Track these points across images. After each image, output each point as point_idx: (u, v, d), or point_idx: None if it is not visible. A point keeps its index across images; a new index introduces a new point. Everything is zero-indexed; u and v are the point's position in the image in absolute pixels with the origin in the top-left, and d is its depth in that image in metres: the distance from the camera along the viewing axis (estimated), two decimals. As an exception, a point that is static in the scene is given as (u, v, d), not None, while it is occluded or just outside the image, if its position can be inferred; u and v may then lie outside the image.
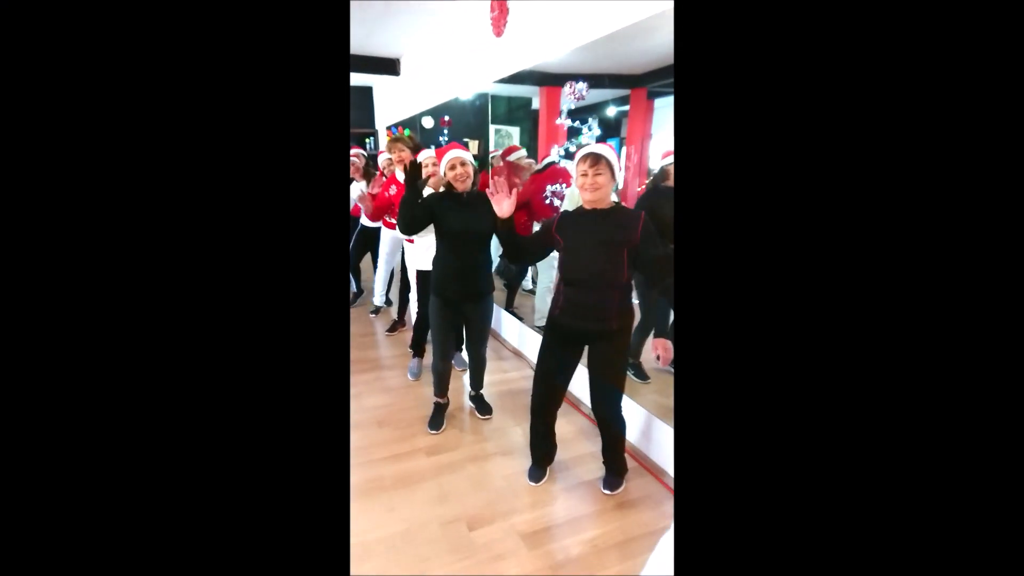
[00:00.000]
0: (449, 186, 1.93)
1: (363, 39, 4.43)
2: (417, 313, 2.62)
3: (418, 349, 2.70)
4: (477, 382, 2.27)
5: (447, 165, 1.89)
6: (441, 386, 2.15)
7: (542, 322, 3.09)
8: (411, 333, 2.86)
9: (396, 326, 3.36)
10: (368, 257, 3.94)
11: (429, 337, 2.18)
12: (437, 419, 2.15)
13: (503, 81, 3.05)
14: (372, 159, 5.01)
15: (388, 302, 3.86)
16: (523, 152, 3.21)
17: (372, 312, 3.71)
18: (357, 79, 5.89)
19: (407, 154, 2.64)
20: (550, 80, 2.78)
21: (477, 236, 1.91)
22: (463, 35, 3.54)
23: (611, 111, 2.84)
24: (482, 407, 2.28)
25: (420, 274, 2.52)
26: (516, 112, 3.63)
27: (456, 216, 1.88)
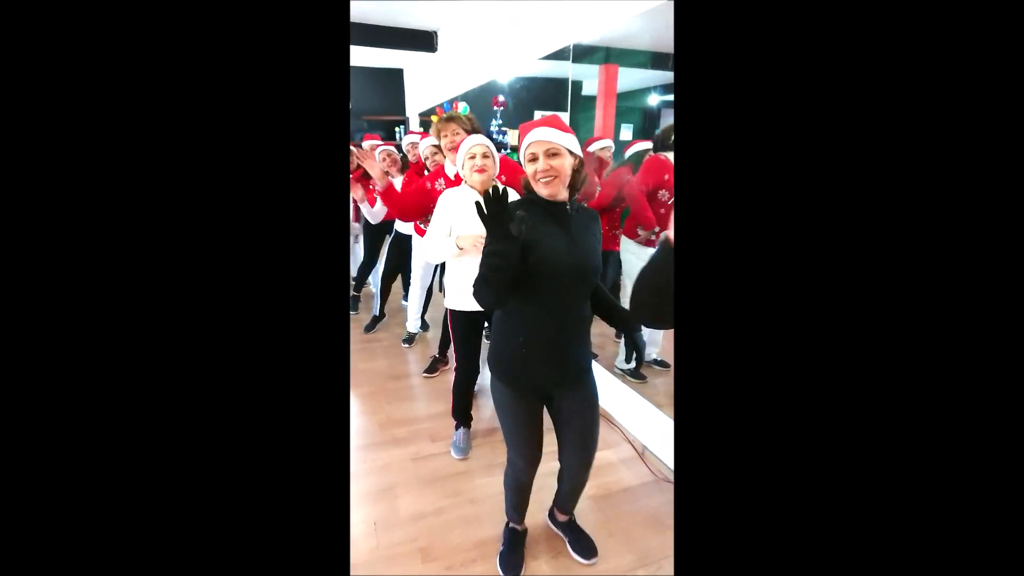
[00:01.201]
0: (528, 190, 1.11)
1: (395, 10, 3.72)
2: (458, 369, 1.86)
3: (464, 418, 1.95)
4: (570, 503, 1.43)
5: (527, 154, 1.07)
6: (519, 507, 1.38)
7: (626, 364, 2.33)
8: (450, 376, 2.12)
9: (436, 365, 2.62)
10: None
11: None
12: (513, 557, 1.38)
13: (551, 58, 2.57)
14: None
15: (424, 326, 3.13)
16: (608, 143, 2.45)
17: (405, 341, 2.98)
18: (387, 59, 5.22)
19: (461, 138, 1.88)
20: (608, 56, 2.38)
21: (583, 278, 1.10)
22: (509, 3, 2.84)
23: (653, 100, 2.33)
24: (580, 543, 1.44)
25: (458, 316, 1.76)
26: (566, 95, 3.05)
27: (554, 242, 1.06)
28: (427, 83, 5.06)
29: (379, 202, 2.98)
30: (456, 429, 1.96)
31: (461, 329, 1.78)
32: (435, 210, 1.66)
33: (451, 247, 1.59)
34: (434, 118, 1.92)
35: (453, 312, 1.76)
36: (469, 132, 1.89)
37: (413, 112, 5.74)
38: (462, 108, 1.92)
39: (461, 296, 1.70)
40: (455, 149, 1.87)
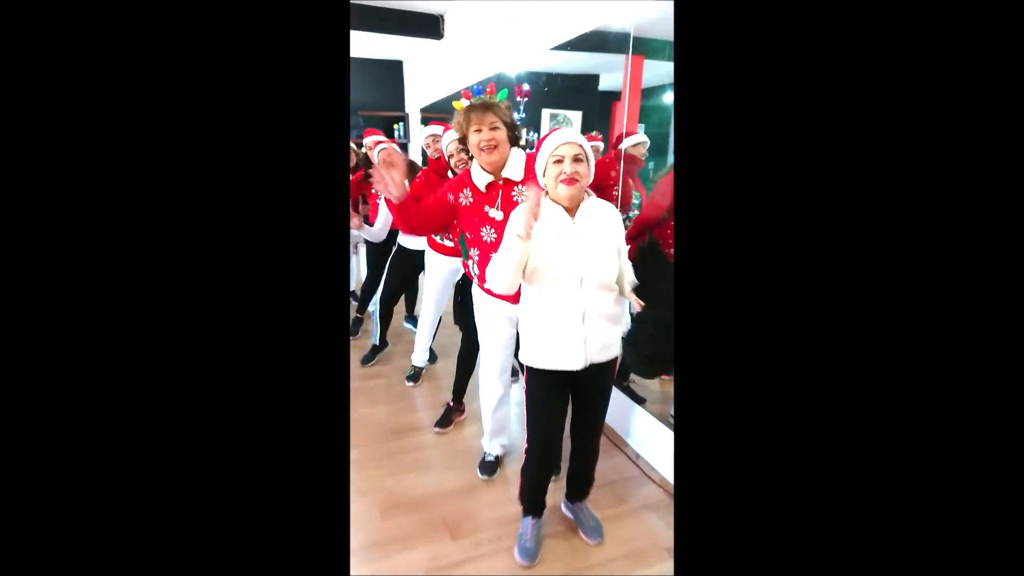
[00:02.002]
0: None
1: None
2: (528, 451, 1.36)
3: (535, 505, 1.45)
4: None
5: None
6: None
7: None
8: (481, 429, 1.63)
9: (450, 415, 2.11)
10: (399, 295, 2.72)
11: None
12: None
13: (565, 47, 2.22)
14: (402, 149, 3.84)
15: (432, 358, 2.63)
16: (642, 137, 2.02)
17: (409, 379, 2.47)
18: (385, 49, 4.71)
19: (501, 135, 1.37)
20: (636, 45, 1.97)
21: None
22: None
23: (668, 98, 2.02)
24: None
25: (537, 377, 1.28)
26: (578, 91, 2.80)
27: None
28: (429, 76, 4.58)
29: (381, 217, 2.47)
30: (524, 516, 1.45)
31: (539, 395, 1.29)
32: (505, 235, 1.18)
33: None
34: (457, 105, 1.41)
35: (531, 371, 1.27)
36: (510, 127, 1.38)
37: (414, 108, 5.25)
38: (499, 94, 1.40)
39: (543, 346, 1.22)
40: (492, 149, 1.36)
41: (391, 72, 5.34)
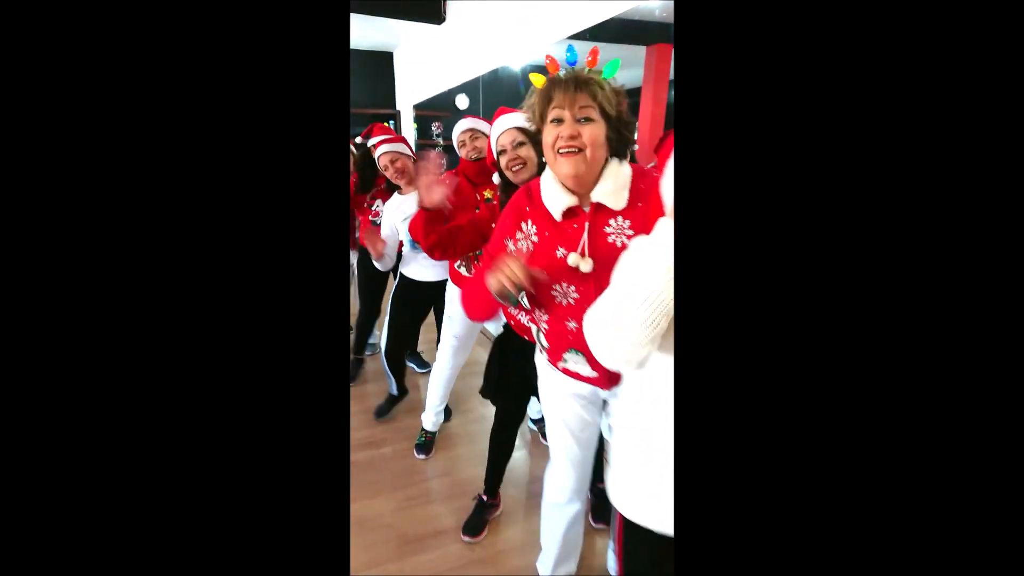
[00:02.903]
0: None
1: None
2: None
3: None
4: None
5: None
6: None
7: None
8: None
9: (484, 514, 1.57)
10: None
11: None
12: None
13: (578, 37, 1.89)
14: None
15: (447, 415, 2.10)
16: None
17: (419, 448, 1.92)
18: (375, 39, 4.16)
19: (594, 132, 0.82)
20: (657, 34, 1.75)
21: None
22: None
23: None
24: None
25: (640, 537, 0.74)
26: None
27: None
28: (425, 68, 4.05)
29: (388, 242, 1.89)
30: None
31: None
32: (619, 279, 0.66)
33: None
34: (536, 79, 0.87)
35: (632, 529, 0.74)
36: (613, 122, 0.85)
37: (406, 104, 4.71)
38: (608, 66, 0.86)
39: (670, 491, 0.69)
40: (574, 153, 0.82)
41: (380, 64, 4.78)
